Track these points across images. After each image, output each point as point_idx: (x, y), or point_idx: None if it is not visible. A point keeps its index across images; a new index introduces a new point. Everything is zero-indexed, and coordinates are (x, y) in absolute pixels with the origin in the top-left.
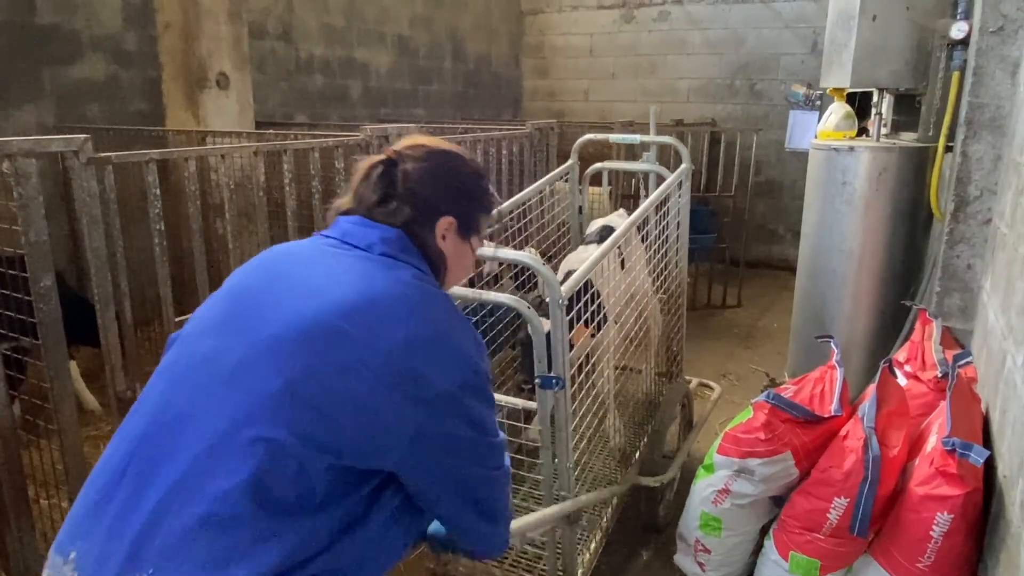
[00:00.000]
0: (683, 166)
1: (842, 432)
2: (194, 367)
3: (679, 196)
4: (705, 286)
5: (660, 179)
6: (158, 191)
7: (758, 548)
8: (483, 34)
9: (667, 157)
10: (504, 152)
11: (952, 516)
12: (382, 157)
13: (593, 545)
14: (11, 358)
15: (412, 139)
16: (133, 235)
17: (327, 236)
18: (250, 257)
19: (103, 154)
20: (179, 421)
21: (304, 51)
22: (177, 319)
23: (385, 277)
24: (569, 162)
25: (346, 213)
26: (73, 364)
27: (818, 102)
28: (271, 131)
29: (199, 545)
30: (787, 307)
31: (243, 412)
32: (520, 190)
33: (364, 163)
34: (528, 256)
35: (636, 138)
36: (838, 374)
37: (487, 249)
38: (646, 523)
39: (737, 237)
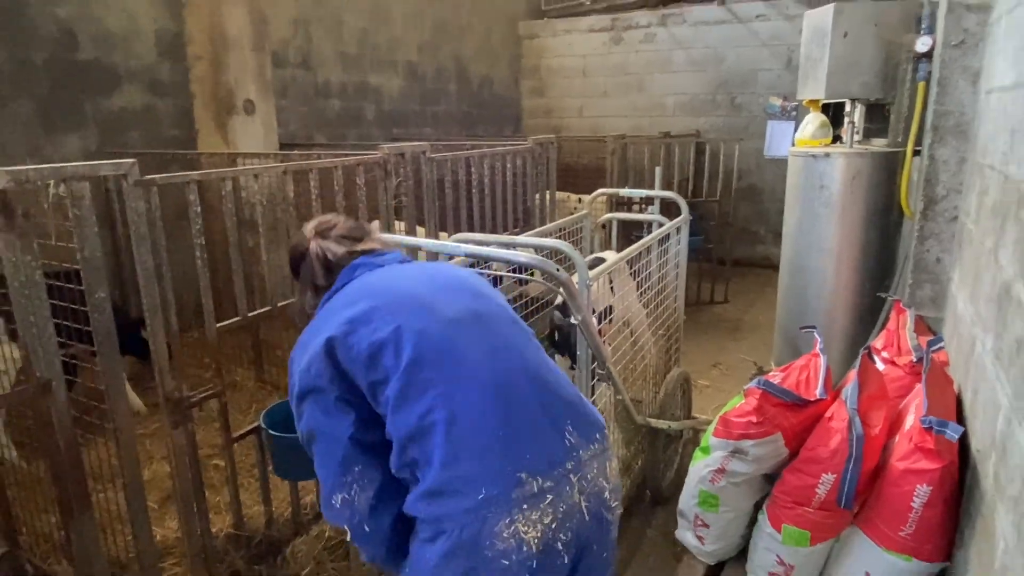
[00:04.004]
0: (682, 215)
1: (827, 414)
2: (446, 345)
3: (678, 241)
4: (695, 284)
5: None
6: (199, 209)
7: (752, 522)
8: (485, 58)
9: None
10: (508, 165)
11: (931, 488)
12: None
13: None
14: (67, 363)
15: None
16: (171, 250)
17: (372, 270)
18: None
19: (149, 176)
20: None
21: (322, 77)
22: (218, 325)
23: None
24: (585, 211)
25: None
26: None
27: (794, 113)
28: (296, 151)
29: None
30: (770, 302)
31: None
32: (524, 198)
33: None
34: (561, 243)
35: (642, 192)
36: (822, 361)
37: (526, 237)
38: (653, 496)
39: (722, 238)
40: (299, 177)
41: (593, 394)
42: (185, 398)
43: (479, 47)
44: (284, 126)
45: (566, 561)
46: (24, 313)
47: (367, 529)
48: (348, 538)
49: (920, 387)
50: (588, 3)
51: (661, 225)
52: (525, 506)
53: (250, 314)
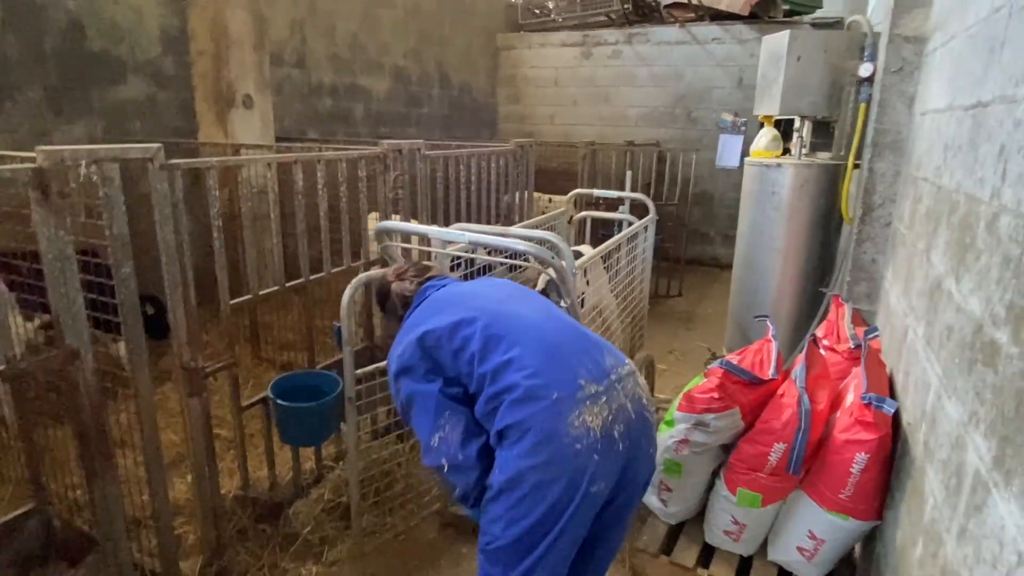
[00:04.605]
0: (649, 215)
1: (779, 391)
2: (504, 311)
3: (645, 239)
4: (652, 279)
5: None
6: (217, 192)
7: (710, 487)
8: (465, 66)
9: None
10: (493, 165)
11: (868, 456)
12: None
13: None
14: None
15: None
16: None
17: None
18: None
19: (173, 160)
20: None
21: (315, 77)
22: (232, 302)
23: None
24: (562, 208)
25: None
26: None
27: (743, 127)
28: (297, 144)
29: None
30: (719, 296)
31: None
32: (506, 194)
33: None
34: (551, 235)
35: (615, 194)
36: (774, 346)
37: (517, 228)
38: None
39: (678, 239)
40: (306, 168)
41: None
42: (201, 368)
43: (460, 55)
44: (279, 121)
45: (621, 449)
46: (56, 285)
47: (460, 458)
48: (444, 473)
49: (859, 370)
50: (561, 20)
51: (631, 224)
52: (587, 403)
53: (261, 292)
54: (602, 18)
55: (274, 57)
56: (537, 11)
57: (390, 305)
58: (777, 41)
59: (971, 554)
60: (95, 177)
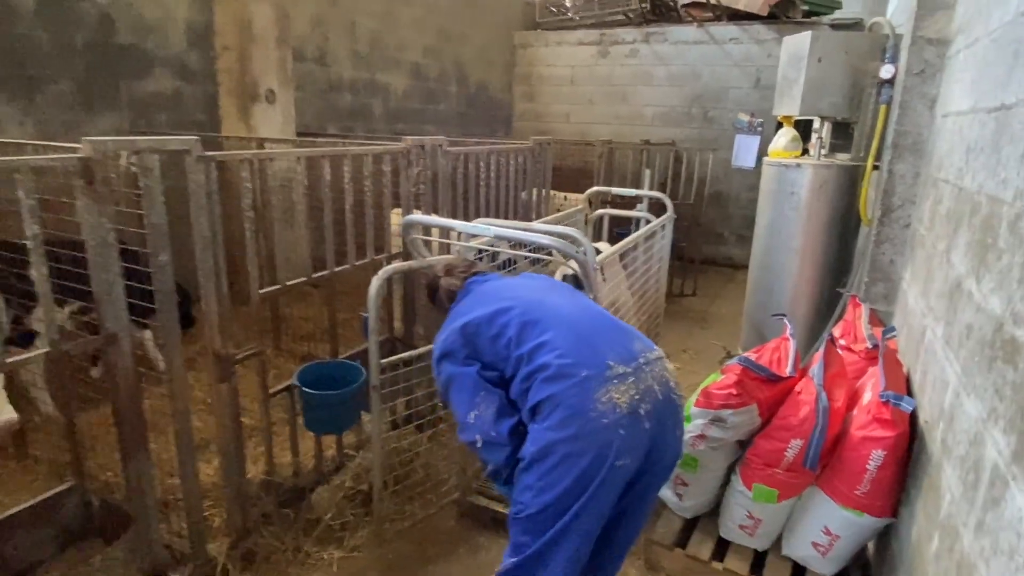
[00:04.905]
0: (667, 214)
1: (797, 389)
2: (541, 301)
3: (662, 237)
4: (667, 278)
5: (649, 224)
6: (250, 185)
7: (725, 482)
8: (482, 64)
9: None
10: (512, 161)
11: (884, 453)
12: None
13: None
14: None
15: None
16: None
17: (483, 283)
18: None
19: (210, 152)
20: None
21: (335, 73)
22: (261, 291)
23: None
24: (580, 206)
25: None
26: (151, 332)
27: (759, 128)
28: (319, 139)
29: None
30: (733, 296)
31: None
32: (524, 190)
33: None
34: (573, 230)
35: (633, 192)
36: (791, 344)
37: (540, 224)
38: None
39: (692, 238)
40: (332, 163)
41: None
42: (231, 356)
43: (477, 53)
44: (299, 116)
45: (647, 427)
46: (98, 271)
47: (493, 434)
48: (479, 448)
49: (876, 369)
50: (578, 18)
51: (649, 222)
52: (615, 381)
53: (289, 283)
54: (620, 17)
55: (296, 53)
56: (554, 9)
57: (439, 298)
58: (798, 42)
59: (988, 546)
60: (134, 168)
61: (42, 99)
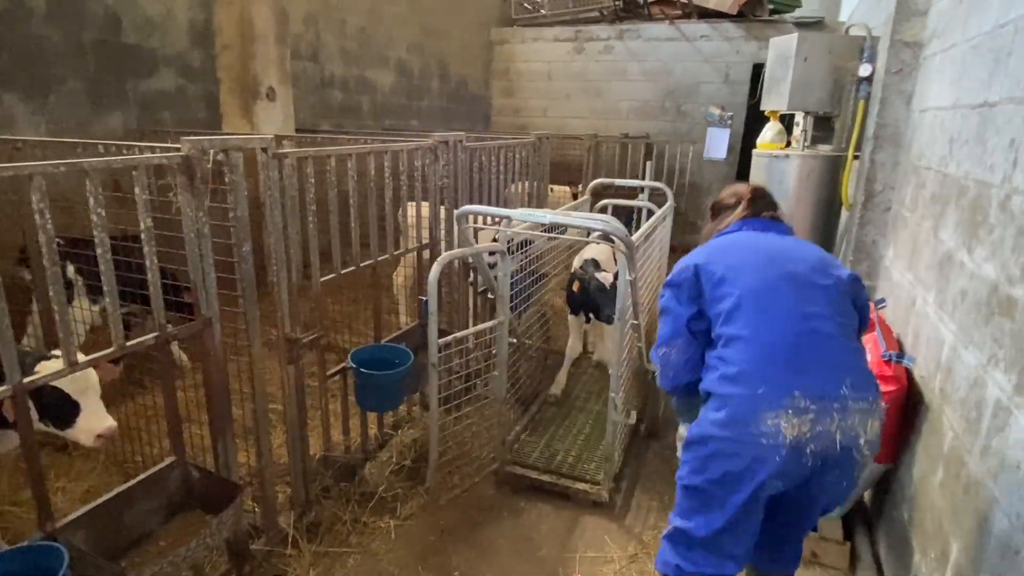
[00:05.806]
0: (668, 203)
1: None
2: (767, 291)
3: (663, 225)
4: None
5: (650, 213)
6: (313, 180)
7: None
8: (463, 60)
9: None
10: (517, 156)
11: (888, 405)
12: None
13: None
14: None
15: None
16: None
17: (756, 230)
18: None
19: (283, 150)
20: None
21: (327, 71)
22: (322, 279)
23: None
24: (584, 197)
25: (747, 217)
26: None
27: (729, 121)
28: (318, 136)
29: (868, 377)
30: None
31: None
32: (526, 181)
33: (746, 189)
34: (610, 218)
35: (636, 183)
36: None
37: (578, 215)
38: (648, 429)
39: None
40: (362, 159)
41: (625, 339)
42: (299, 339)
43: (458, 49)
44: (295, 114)
45: (808, 464)
46: (195, 261)
47: (670, 375)
48: (656, 370)
49: (874, 334)
50: (550, 15)
51: (651, 212)
52: (790, 411)
53: (343, 271)
54: (594, 14)
55: (291, 51)
56: (529, 7)
57: (719, 217)
58: (785, 43)
59: (995, 465)
60: (225, 166)
61: (55, 98)
